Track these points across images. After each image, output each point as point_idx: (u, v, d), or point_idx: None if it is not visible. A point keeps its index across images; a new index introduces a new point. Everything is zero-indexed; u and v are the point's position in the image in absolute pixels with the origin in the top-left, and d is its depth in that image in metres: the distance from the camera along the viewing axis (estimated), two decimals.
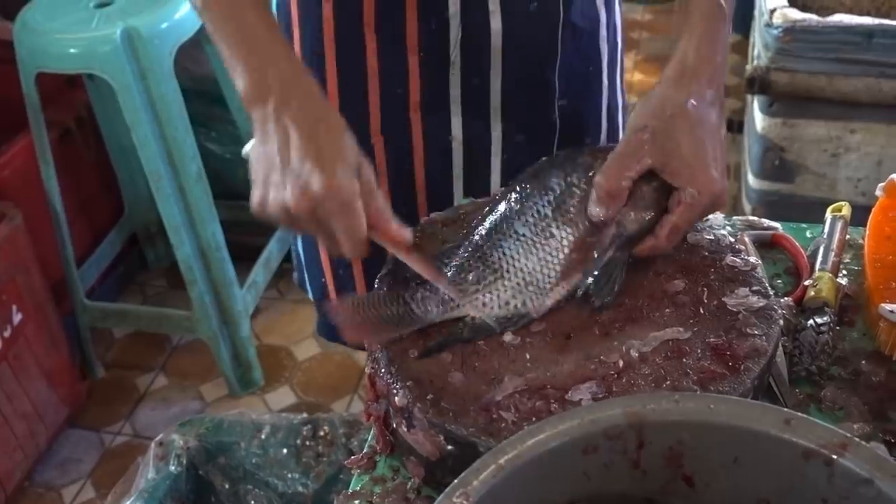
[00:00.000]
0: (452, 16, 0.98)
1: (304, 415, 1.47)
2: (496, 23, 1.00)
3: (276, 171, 0.76)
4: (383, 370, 0.75)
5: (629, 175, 0.80)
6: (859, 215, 0.99)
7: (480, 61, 1.02)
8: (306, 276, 1.23)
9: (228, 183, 2.37)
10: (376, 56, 1.02)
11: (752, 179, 2.11)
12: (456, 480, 0.58)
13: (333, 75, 1.04)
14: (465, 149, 1.08)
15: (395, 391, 0.73)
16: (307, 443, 1.41)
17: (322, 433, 1.42)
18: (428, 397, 0.71)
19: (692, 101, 0.81)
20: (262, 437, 1.42)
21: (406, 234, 0.80)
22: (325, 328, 1.25)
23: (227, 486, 1.41)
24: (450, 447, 0.70)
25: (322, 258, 1.16)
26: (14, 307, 1.90)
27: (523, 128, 1.09)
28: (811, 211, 1.04)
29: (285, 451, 1.41)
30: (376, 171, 1.05)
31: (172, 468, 1.36)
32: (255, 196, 0.79)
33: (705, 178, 0.79)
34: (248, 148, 0.81)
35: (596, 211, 0.80)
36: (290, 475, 1.40)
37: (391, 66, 1.02)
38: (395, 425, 0.75)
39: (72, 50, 1.86)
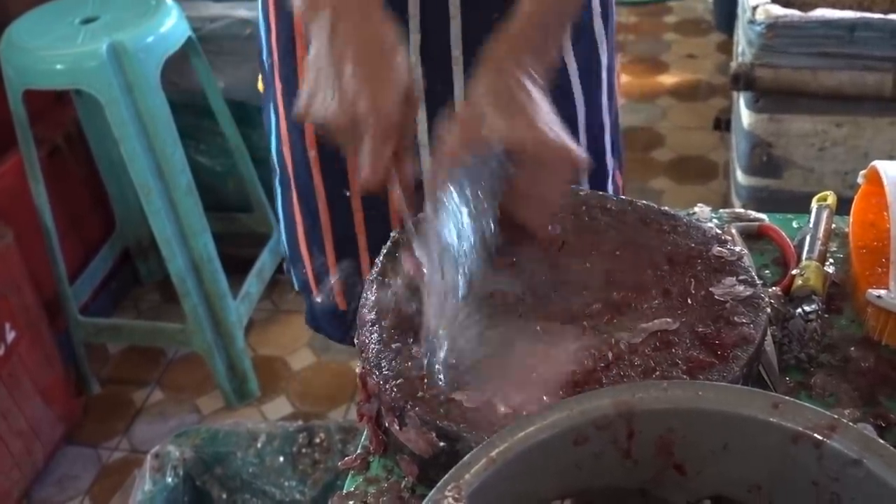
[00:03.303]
0: (412, 17, 0.98)
1: (300, 422, 1.47)
2: (456, 28, 1.00)
3: (327, 80, 0.78)
4: (374, 370, 0.75)
5: (472, 135, 0.79)
6: (848, 208, 0.99)
7: (441, 67, 1.01)
8: (291, 266, 1.24)
9: (219, 195, 2.38)
10: None
11: (740, 176, 2.12)
12: (447, 475, 0.58)
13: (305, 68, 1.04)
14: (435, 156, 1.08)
15: (386, 390, 0.73)
16: (303, 450, 1.41)
17: (318, 440, 1.42)
18: (419, 395, 0.72)
19: (500, 82, 0.81)
20: (259, 445, 1.42)
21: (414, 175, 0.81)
22: (312, 319, 1.26)
23: (224, 496, 1.41)
24: (442, 444, 0.70)
25: (302, 251, 1.17)
26: (7, 325, 1.90)
27: None
28: (800, 205, 1.04)
29: (282, 458, 1.41)
30: (346, 170, 1.07)
31: (169, 480, 1.36)
32: (302, 100, 0.80)
33: (530, 127, 0.78)
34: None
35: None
36: (286, 483, 1.40)
37: None
38: (387, 424, 0.75)
39: (58, 66, 1.87)
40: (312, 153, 1.08)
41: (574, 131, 1.12)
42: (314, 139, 1.07)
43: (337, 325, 1.20)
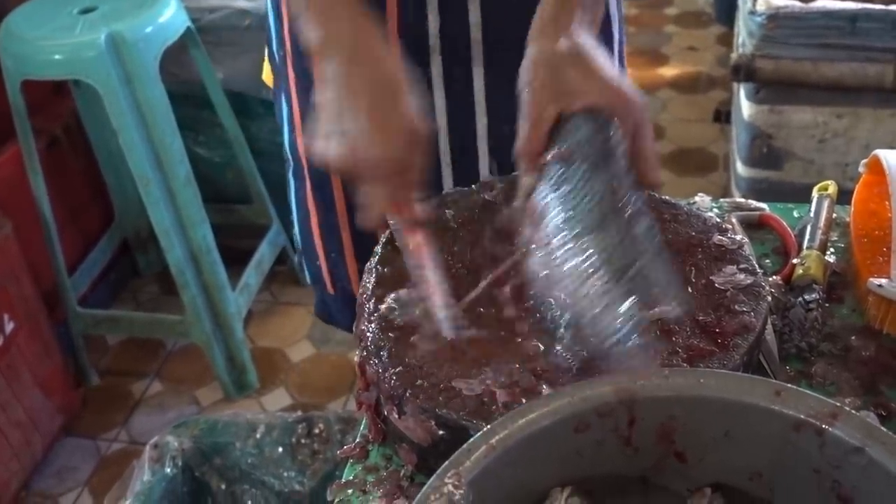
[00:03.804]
0: (430, 3, 0.98)
1: (299, 413, 1.46)
2: (475, 15, 1.00)
3: (336, 123, 0.79)
4: (373, 358, 0.75)
5: (542, 132, 0.80)
6: (848, 200, 0.99)
7: (461, 52, 1.02)
8: (304, 258, 1.23)
9: (218, 186, 2.38)
10: None
11: (740, 167, 2.11)
12: (448, 461, 0.58)
13: None
14: (452, 139, 1.08)
15: (385, 378, 0.73)
16: (302, 441, 1.41)
17: (317, 431, 1.41)
18: (418, 383, 0.71)
19: (560, 42, 0.81)
20: (257, 436, 1.42)
21: (420, 216, 0.81)
22: (322, 310, 1.26)
23: (223, 487, 1.41)
24: (441, 432, 0.70)
25: (316, 242, 1.17)
26: (6, 316, 1.89)
27: (509, 120, 1.08)
28: (800, 197, 1.04)
29: (281, 449, 1.41)
30: None
31: (168, 470, 1.35)
32: (316, 143, 0.81)
33: (608, 85, 0.79)
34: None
35: (527, 181, 0.80)
36: (286, 474, 1.40)
37: None
38: (386, 413, 0.75)
39: (56, 56, 1.86)
40: None
41: None
42: None
43: (349, 313, 1.20)
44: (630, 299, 0.68)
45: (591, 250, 0.71)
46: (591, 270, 0.70)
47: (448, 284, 0.79)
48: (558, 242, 0.72)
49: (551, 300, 0.73)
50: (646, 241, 0.72)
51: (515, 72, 1.06)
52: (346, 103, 0.78)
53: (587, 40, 0.82)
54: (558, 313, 0.72)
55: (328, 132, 0.79)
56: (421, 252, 0.81)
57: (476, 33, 1.00)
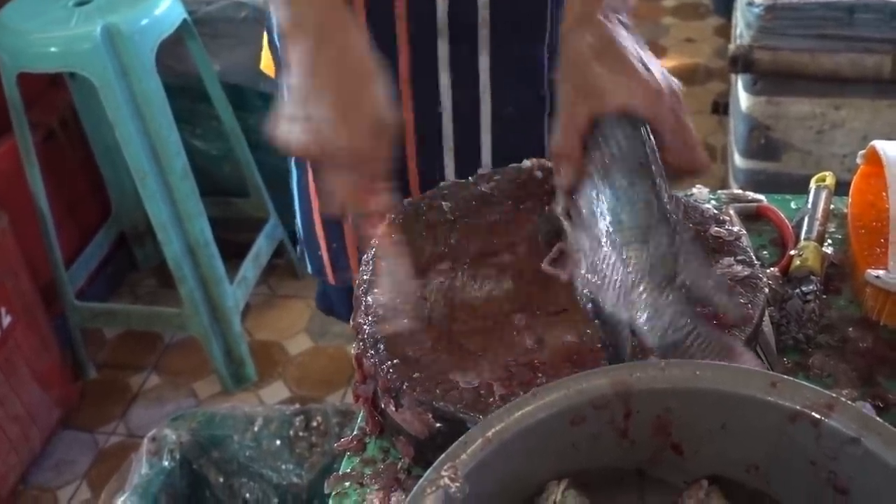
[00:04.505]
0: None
1: (297, 405, 1.46)
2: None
3: (300, 109, 0.78)
4: (370, 350, 0.75)
5: (574, 133, 0.78)
6: (846, 191, 0.99)
7: (468, 34, 1.02)
8: (306, 249, 1.23)
9: (215, 179, 2.37)
10: (365, 23, 1.01)
11: (738, 159, 2.11)
12: (444, 454, 0.58)
13: None
14: (455, 122, 1.07)
15: (382, 371, 0.73)
16: (300, 433, 1.41)
17: (315, 423, 1.41)
18: (415, 375, 0.71)
19: (588, 37, 0.79)
20: (255, 429, 1.42)
21: (384, 206, 0.80)
22: (323, 302, 1.25)
23: (221, 480, 1.41)
24: (438, 425, 0.70)
25: (318, 231, 1.16)
26: (3, 310, 1.89)
27: (513, 102, 1.08)
28: (798, 189, 1.03)
29: (278, 442, 1.41)
30: None
31: (166, 463, 1.35)
32: (280, 128, 0.79)
33: (638, 82, 0.77)
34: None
35: (562, 181, 0.79)
36: (283, 466, 1.40)
37: (380, 33, 1.02)
38: (383, 405, 0.75)
39: (52, 49, 1.85)
40: None
41: None
42: None
43: (350, 305, 1.20)
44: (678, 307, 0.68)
45: (639, 259, 0.70)
46: (640, 276, 0.69)
47: (409, 278, 0.79)
48: (607, 249, 0.72)
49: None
50: (693, 249, 0.72)
51: (521, 54, 1.05)
52: (312, 89, 0.77)
53: (617, 30, 0.80)
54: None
55: (292, 117, 0.78)
56: (382, 243, 0.81)
57: (484, 13, 1.00)
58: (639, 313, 0.68)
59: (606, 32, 0.79)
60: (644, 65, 0.78)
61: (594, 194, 0.75)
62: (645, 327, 0.68)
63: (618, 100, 0.77)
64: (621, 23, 0.81)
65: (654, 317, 0.68)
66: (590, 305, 0.73)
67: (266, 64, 1.20)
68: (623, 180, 0.74)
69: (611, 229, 0.72)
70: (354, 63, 0.79)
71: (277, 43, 1.11)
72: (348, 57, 0.79)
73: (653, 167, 0.74)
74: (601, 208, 0.74)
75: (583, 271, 0.73)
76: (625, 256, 0.70)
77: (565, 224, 0.78)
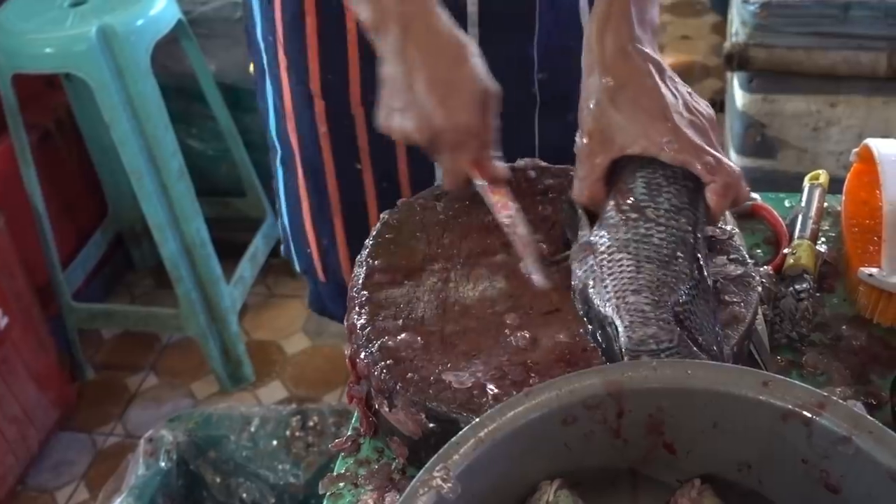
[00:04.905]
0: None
1: (294, 406, 1.46)
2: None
3: (400, 97, 0.81)
4: (363, 351, 0.75)
5: (594, 183, 0.79)
6: (842, 188, 0.98)
7: None
8: (292, 247, 1.22)
9: (211, 180, 2.37)
10: (356, 21, 1.01)
11: (734, 157, 2.11)
12: (436, 455, 0.58)
13: (314, 41, 1.04)
14: None
15: (375, 371, 0.73)
16: (297, 434, 1.41)
17: (311, 423, 1.42)
18: (408, 376, 0.71)
19: (603, 81, 0.79)
20: (252, 429, 1.42)
21: (502, 173, 0.84)
22: (315, 301, 1.25)
23: (218, 480, 1.41)
24: (431, 425, 0.70)
25: (307, 230, 1.16)
26: None
27: (503, 101, 1.08)
28: (794, 186, 1.04)
29: (275, 442, 1.41)
30: (357, 143, 1.06)
31: (163, 464, 1.36)
32: (381, 116, 0.84)
33: (654, 130, 0.77)
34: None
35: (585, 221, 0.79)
36: (280, 466, 1.40)
37: None
38: (377, 406, 0.75)
39: (47, 50, 1.85)
40: (323, 129, 1.07)
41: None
42: (325, 114, 1.06)
43: (342, 303, 1.20)
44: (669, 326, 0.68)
45: (653, 275, 0.71)
46: (646, 287, 0.70)
47: (537, 237, 0.81)
48: (624, 256, 0.73)
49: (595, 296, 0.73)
50: (706, 300, 0.72)
51: (511, 53, 1.05)
52: (408, 76, 0.80)
53: (633, 64, 0.79)
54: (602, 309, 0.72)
55: (398, 107, 0.81)
56: (507, 208, 0.83)
57: (473, 10, 1.00)
58: (627, 315, 0.69)
59: (620, 69, 0.79)
60: (676, 108, 0.77)
61: (615, 239, 0.75)
62: (624, 328, 0.68)
63: (635, 147, 0.77)
64: (650, 57, 0.80)
65: (641, 324, 0.68)
66: (580, 296, 0.74)
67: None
68: (665, 210, 0.75)
69: (636, 242, 0.73)
70: (442, 43, 0.82)
71: (262, 43, 1.11)
72: (435, 39, 0.81)
73: (697, 210, 0.75)
74: (632, 220, 0.75)
75: (589, 262, 0.74)
76: (640, 267, 0.71)
77: (581, 213, 0.80)
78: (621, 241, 0.74)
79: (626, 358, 0.67)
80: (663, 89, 0.78)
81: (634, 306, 0.69)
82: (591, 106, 0.79)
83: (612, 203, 0.77)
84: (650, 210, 0.75)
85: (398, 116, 0.82)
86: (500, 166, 0.85)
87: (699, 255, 0.73)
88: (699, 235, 0.75)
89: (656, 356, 0.66)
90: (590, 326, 0.73)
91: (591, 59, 0.81)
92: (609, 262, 0.73)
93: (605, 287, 0.72)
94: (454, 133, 0.80)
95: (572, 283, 0.76)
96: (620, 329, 0.68)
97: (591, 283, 0.73)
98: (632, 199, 0.76)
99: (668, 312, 0.69)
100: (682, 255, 0.72)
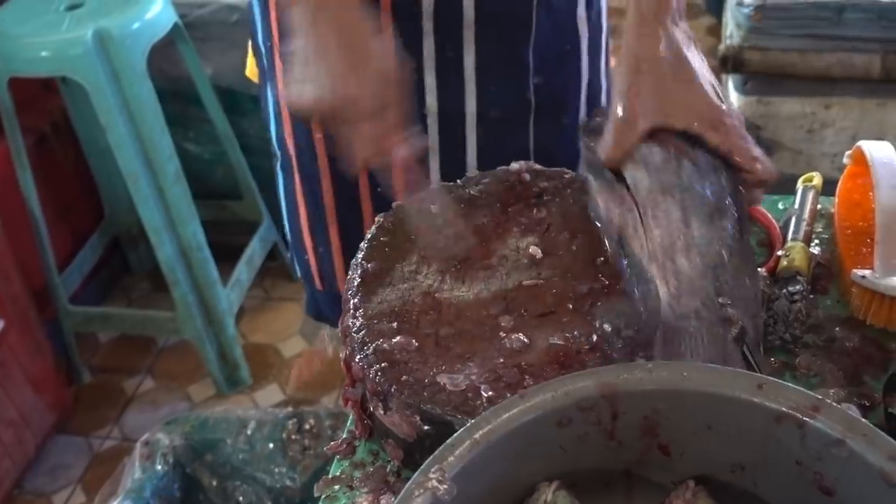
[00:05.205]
0: None
1: (290, 409, 1.47)
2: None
3: (309, 69, 0.80)
4: (358, 354, 0.75)
5: (628, 145, 0.78)
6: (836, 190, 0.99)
7: (453, 33, 1.02)
8: (294, 255, 1.23)
9: (208, 183, 2.37)
10: None
11: None
12: (431, 456, 0.58)
13: None
14: (441, 122, 1.07)
15: (370, 374, 0.73)
16: (293, 437, 1.41)
17: (308, 426, 1.42)
18: (402, 378, 0.71)
19: (662, 46, 0.79)
20: (248, 432, 1.42)
21: (410, 153, 0.81)
22: (312, 308, 1.25)
23: (214, 484, 1.41)
24: (426, 427, 0.70)
25: (304, 237, 1.16)
26: None
27: (498, 104, 1.08)
28: (789, 188, 1.04)
29: (272, 445, 1.41)
30: None
31: (159, 467, 1.36)
32: (291, 91, 0.83)
33: (707, 108, 0.77)
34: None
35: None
36: (277, 469, 1.40)
37: None
38: (372, 409, 0.75)
39: (43, 53, 1.85)
40: (318, 136, 1.08)
41: (577, 94, 1.12)
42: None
43: (338, 310, 1.20)
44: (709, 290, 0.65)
45: (695, 231, 0.67)
46: (689, 243, 0.66)
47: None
48: (676, 209, 0.68)
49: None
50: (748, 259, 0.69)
51: (506, 55, 1.05)
52: (316, 47, 0.80)
53: (684, 40, 0.79)
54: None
55: (302, 79, 0.80)
56: (414, 189, 0.83)
57: (469, 13, 1.00)
58: (674, 279, 0.65)
59: (677, 39, 0.79)
60: (711, 85, 0.78)
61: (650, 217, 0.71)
62: (670, 296, 0.64)
63: (687, 121, 0.76)
64: (685, 32, 0.80)
65: (689, 293, 0.64)
66: (613, 235, 0.70)
67: (251, 70, 1.21)
68: (705, 162, 0.71)
69: (682, 190, 0.68)
70: (355, 18, 0.81)
71: (262, 48, 1.11)
72: (348, 14, 0.81)
73: (721, 211, 0.72)
74: (675, 161, 0.70)
75: (627, 201, 0.70)
76: (688, 221, 0.67)
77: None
78: (665, 184, 0.70)
79: (661, 331, 0.64)
80: (707, 71, 0.79)
81: (682, 270, 0.65)
82: (649, 71, 0.78)
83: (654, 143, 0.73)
84: (689, 162, 0.72)
85: (309, 87, 0.80)
86: (405, 149, 0.81)
87: (739, 216, 0.70)
88: (739, 198, 0.71)
89: (695, 333, 0.64)
90: (627, 270, 0.69)
91: (643, 23, 0.80)
92: (653, 207, 0.69)
93: (650, 238, 0.68)
94: (360, 102, 0.78)
95: (600, 214, 0.72)
96: (663, 294, 0.65)
97: (629, 226, 0.69)
98: (674, 145, 0.73)
99: (713, 281, 0.65)
100: (723, 212, 0.69)
